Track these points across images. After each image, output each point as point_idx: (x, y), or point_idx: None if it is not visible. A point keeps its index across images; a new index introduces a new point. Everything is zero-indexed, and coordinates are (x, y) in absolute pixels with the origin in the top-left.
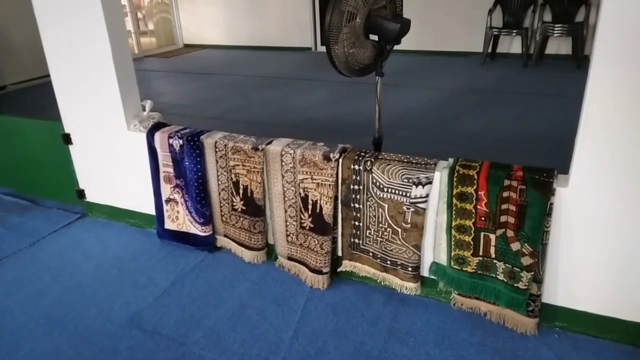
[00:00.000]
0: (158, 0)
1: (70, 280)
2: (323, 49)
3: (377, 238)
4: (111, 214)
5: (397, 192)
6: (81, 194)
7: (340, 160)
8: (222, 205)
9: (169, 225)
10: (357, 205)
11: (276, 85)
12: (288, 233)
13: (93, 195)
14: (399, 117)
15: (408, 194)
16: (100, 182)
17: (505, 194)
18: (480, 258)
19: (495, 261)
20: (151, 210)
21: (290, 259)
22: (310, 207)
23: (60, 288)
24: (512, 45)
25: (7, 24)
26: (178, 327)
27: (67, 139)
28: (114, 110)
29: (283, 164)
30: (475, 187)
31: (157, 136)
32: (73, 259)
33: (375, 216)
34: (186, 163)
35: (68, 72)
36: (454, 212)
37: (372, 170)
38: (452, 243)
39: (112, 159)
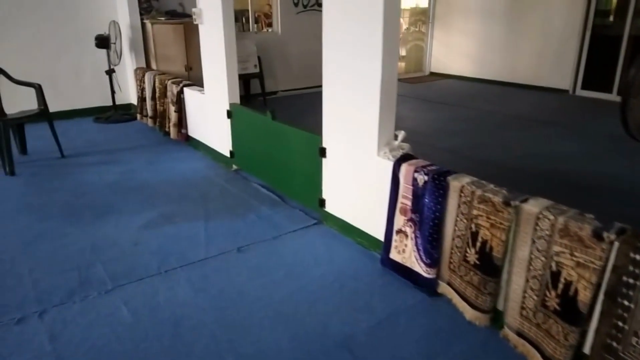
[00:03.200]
0: (415, 29)
1: (299, 281)
2: (583, 93)
3: None
4: (342, 228)
5: None
6: (322, 202)
7: (617, 242)
8: (452, 252)
9: (394, 255)
10: (626, 303)
11: (521, 127)
12: (524, 306)
13: (331, 206)
14: None
15: None
16: (340, 196)
17: None
18: None
19: None
20: (379, 235)
21: (520, 335)
22: (561, 286)
23: (290, 286)
24: None
25: (286, 40)
26: None
27: (322, 152)
28: (369, 135)
29: (538, 228)
30: None
31: (404, 167)
32: (305, 260)
33: None
34: (426, 200)
35: (336, 93)
36: None
37: None
38: None
39: (356, 179)
